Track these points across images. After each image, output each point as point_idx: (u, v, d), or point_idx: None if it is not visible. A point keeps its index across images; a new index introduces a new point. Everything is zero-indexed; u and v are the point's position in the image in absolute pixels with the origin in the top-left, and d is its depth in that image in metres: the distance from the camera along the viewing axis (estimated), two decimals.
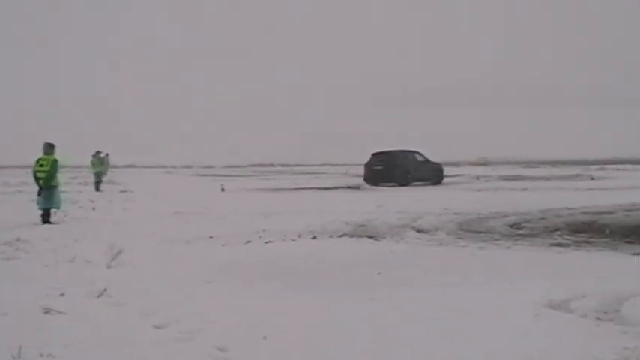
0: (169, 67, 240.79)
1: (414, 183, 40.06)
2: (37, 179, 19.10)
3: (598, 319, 7.71)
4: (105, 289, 9.29)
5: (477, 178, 50.87)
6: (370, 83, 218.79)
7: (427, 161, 42.56)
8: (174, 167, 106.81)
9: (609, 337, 6.90)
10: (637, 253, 13.03)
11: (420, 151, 42.87)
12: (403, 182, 39.73)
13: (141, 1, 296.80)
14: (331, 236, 15.81)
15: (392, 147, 42.86)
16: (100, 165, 39.50)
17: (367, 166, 41.84)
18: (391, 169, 40.33)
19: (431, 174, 42.01)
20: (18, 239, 14.82)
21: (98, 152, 40.47)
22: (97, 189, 37.45)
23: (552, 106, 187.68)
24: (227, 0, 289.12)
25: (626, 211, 19.60)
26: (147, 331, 7.42)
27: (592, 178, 46.12)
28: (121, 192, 35.93)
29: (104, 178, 40.10)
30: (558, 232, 16.13)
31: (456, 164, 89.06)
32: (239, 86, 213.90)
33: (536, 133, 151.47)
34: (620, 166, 65.65)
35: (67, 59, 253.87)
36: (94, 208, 24.40)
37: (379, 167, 40.59)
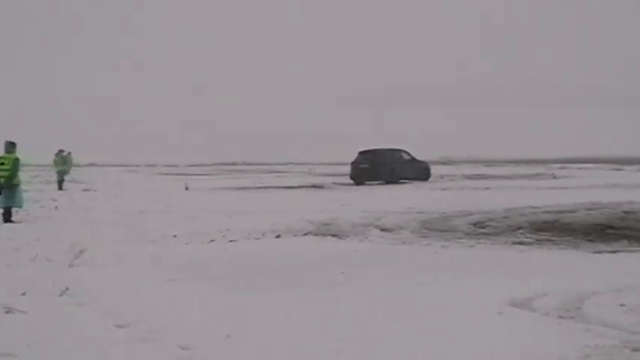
0: (132, 65, 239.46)
1: (402, 181, 40.40)
2: None
3: (560, 317, 7.76)
4: (67, 289, 9.24)
5: (441, 177, 51.01)
6: (334, 83, 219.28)
7: (413, 159, 43.09)
8: (137, 166, 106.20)
9: (571, 335, 6.95)
10: (598, 252, 13.16)
11: (407, 150, 43.32)
12: (389, 180, 39.87)
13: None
14: (295, 235, 15.79)
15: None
16: (63, 164, 39.15)
17: (354, 164, 42.07)
18: (377, 167, 40.56)
19: (417, 172, 42.44)
20: None
21: (61, 151, 40.12)
22: (60, 187, 37.12)
23: (513, 105, 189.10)
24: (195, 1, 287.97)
25: (588, 209, 19.74)
26: (109, 331, 7.39)
27: (554, 177, 46.42)
28: (84, 191, 35.67)
29: (67, 177, 39.76)
30: (521, 231, 16.22)
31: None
32: (203, 85, 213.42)
33: (497, 133, 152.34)
34: (581, 165, 66.15)
35: (30, 57, 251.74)
36: (56, 207, 24.20)
37: (365, 165, 40.87)
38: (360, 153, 42.41)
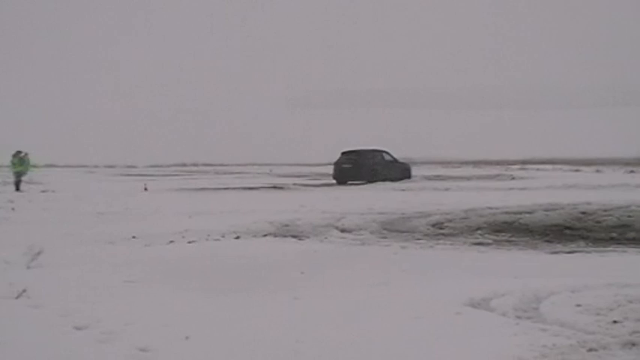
0: (90, 65, 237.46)
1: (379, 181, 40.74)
2: None
3: (518, 317, 7.82)
4: (24, 290, 9.15)
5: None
6: (289, 85, 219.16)
7: (395, 161, 43.96)
8: (96, 167, 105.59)
9: (528, 335, 7.00)
10: (555, 252, 13.29)
11: (389, 151, 44.20)
12: (371, 180, 40.38)
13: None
14: (255, 236, 15.78)
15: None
16: (20, 165, 38.80)
17: (337, 164, 42.64)
18: (359, 167, 41.20)
19: (398, 173, 43.21)
20: None
21: (19, 152, 39.72)
22: (18, 189, 36.80)
23: (473, 107, 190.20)
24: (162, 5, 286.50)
25: (546, 210, 19.90)
26: (67, 333, 7.33)
27: (513, 178, 46.74)
28: (42, 192, 35.40)
29: (25, 178, 39.38)
30: (480, 232, 16.34)
31: None
32: (161, 86, 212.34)
33: (456, 134, 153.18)
34: (539, 167, 66.65)
35: None
36: (13, 209, 23.99)
37: (348, 165, 41.47)
38: (343, 153, 43.08)
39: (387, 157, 43.65)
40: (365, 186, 38.77)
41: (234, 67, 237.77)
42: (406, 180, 42.83)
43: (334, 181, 42.14)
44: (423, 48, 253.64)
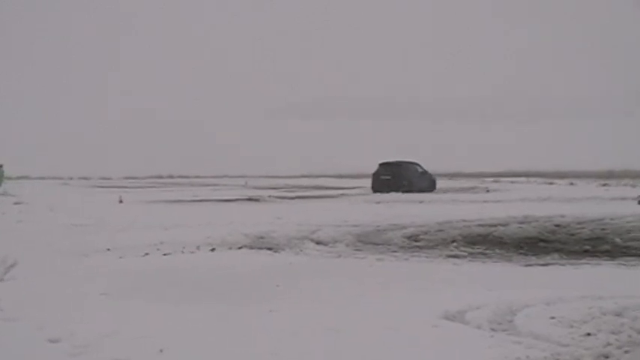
0: (63, 76, 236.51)
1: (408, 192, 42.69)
2: None
3: (492, 329, 7.85)
4: None
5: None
6: (264, 95, 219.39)
7: (425, 172, 46.32)
8: (71, 178, 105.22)
9: (503, 347, 7.03)
10: (530, 265, 13.35)
11: (420, 163, 46.71)
12: (407, 190, 42.72)
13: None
14: (230, 248, 15.74)
15: (390, 158, 46.54)
16: None
17: (376, 175, 45.40)
18: (398, 178, 44.20)
19: (428, 184, 45.78)
20: None
21: None
22: None
23: (447, 120, 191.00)
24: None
25: (520, 223, 20.01)
26: (41, 346, 7.28)
27: (488, 191, 47.01)
28: (16, 204, 35.12)
29: None
30: (455, 244, 16.37)
31: (354, 176, 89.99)
32: (136, 99, 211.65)
33: (431, 146, 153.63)
34: (514, 179, 67.00)
35: None
36: None
37: (388, 177, 44.41)
38: (382, 165, 45.92)
39: (420, 169, 46.15)
40: (339, 198, 38.86)
41: (210, 80, 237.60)
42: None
43: (371, 191, 44.95)
44: (397, 59, 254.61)
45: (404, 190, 42.70)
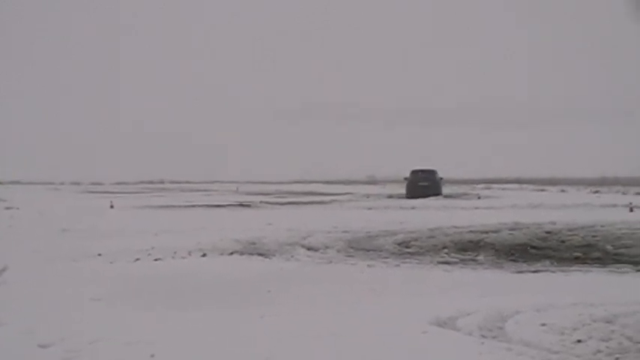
0: (55, 81, 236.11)
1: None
2: None
3: (483, 336, 7.86)
4: None
5: (367, 196, 51.43)
6: (259, 102, 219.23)
7: (441, 178, 49.40)
8: (62, 184, 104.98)
9: (493, 354, 7.04)
10: (520, 271, 13.36)
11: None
12: (434, 194, 46.26)
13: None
14: (221, 254, 15.73)
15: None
16: None
17: (411, 182, 48.04)
18: (433, 184, 47.54)
19: (441, 189, 48.58)
20: None
21: None
22: None
23: (439, 126, 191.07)
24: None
25: (511, 229, 20.03)
26: (31, 351, 7.27)
27: (479, 198, 47.10)
28: (7, 209, 35.03)
29: None
30: (446, 251, 16.38)
31: (344, 182, 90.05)
32: (127, 104, 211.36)
33: (422, 153, 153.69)
34: (505, 186, 67.10)
35: None
36: None
37: (425, 183, 47.45)
38: (414, 172, 48.88)
39: (438, 175, 49.26)
40: (331, 204, 38.85)
41: (200, 86, 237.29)
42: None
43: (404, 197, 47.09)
44: (391, 66, 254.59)
45: (433, 195, 45.80)
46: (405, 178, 49.69)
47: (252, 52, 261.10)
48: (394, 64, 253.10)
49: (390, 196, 49.76)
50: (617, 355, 7.04)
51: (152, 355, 7.00)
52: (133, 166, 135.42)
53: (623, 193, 46.97)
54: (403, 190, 48.53)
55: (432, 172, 49.11)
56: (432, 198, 44.40)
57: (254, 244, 17.22)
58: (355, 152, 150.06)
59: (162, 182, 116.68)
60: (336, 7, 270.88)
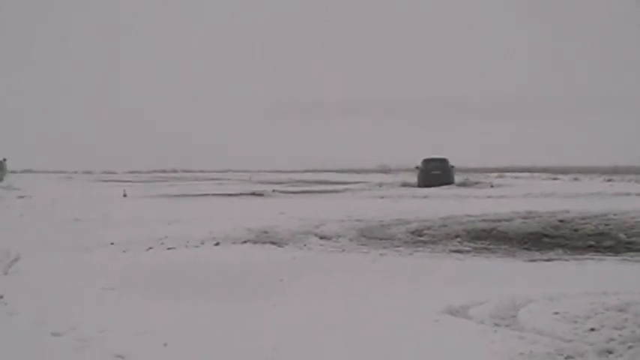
0: (68, 71, 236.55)
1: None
2: None
3: (495, 324, 7.83)
4: (1, 297, 9.10)
5: (380, 185, 51.36)
6: (269, 96, 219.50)
7: (452, 167, 49.67)
8: (75, 172, 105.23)
9: (506, 343, 7.02)
10: (533, 260, 13.32)
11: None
12: (447, 183, 46.23)
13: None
14: (234, 243, 15.74)
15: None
16: None
17: (424, 171, 47.88)
18: (446, 172, 47.68)
19: (453, 177, 48.90)
20: None
21: None
22: None
23: (451, 117, 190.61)
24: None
25: (524, 218, 19.98)
26: (43, 339, 7.28)
27: (492, 186, 46.96)
28: (19, 197, 35.16)
29: (2, 184, 39.17)
30: (458, 239, 16.34)
31: (357, 171, 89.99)
32: (142, 93, 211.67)
33: (434, 143, 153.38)
34: (518, 174, 66.89)
35: None
36: None
37: (438, 172, 47.41)
38: (426, 161, 48.80)
39: (450, 164, 49.35)
40: (343, 193, 38.84)
41: (216, 76, 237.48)
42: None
43: (416, 186, 46.90)
44: (397, 57, 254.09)
45: (445, 183, 45.83)
46: (417, 167, 49.40)
47: (253, 52, 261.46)
48: (402, 56, 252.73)
49: (404, 185, 49.67)
50: (630, 344, 7.01)
51: (165, 344, 7.01)
52: (146, 155, 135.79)
53: (636, 182, 46.77)
54: (415, 179, 48.33)
55: (444, 161, 49.01)
56: (444, 187, 44.14)
57: (267, 232, 17.23)
58: (368, 142, 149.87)
59: (175, 171, 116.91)
60: (336, 7, 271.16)
